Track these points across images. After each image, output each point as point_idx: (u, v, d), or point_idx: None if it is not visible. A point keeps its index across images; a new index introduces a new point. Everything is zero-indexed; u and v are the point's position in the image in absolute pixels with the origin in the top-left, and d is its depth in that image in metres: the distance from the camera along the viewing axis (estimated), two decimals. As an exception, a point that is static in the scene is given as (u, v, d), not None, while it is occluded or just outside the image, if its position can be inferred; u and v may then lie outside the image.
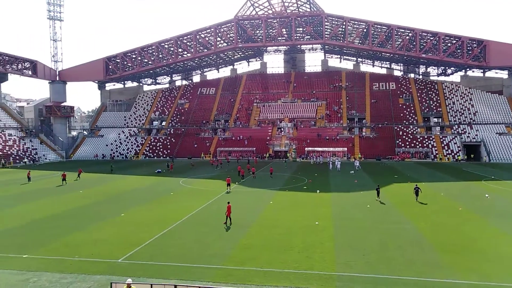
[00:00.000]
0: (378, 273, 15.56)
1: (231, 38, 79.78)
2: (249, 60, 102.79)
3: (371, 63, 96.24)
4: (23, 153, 72.39)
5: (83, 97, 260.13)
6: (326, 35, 76.35)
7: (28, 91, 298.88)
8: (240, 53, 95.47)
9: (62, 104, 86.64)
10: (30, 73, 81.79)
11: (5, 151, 69.76)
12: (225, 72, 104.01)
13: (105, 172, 53.57)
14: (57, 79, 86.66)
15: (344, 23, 73.81)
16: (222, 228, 22.56)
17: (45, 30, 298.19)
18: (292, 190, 36.64)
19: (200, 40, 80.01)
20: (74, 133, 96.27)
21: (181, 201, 31.73)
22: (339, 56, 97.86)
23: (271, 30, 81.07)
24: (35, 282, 15.19)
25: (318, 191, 35.34)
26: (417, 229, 22.14)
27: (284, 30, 79.57)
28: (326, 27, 76.22)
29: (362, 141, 74.23)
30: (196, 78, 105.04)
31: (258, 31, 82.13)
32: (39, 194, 36.11)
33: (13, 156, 69.42)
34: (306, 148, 71.96)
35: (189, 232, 21.99)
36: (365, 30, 74.45)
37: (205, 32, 79.01)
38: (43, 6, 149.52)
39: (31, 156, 72.64)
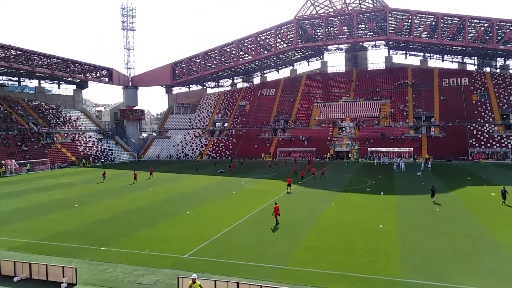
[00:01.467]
0: (448, 282, 14.64)
1: (291, 39, 79.73)
2: (309, 59, 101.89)
3: (440, 58, 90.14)
4: (101, 154, 79.02)
5: (152, 101, 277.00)
6: (390, 31, 73.05)
7: (105, 96, 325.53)
8: (300, 53, 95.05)
9: (134, 108, 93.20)
10: (106, 80, 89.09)
11: (85, 151, 76.75)
12: (285, 72, 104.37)
13: (172, 171, 56.53)
14: (130, 85, 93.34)
15: (410, 17, 70.08)
16: (283, 228, 22.71)
17: (119, 39, 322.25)
18: (355, 192, 35.68)
19: (260, 42, 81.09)
20: (144, 134, 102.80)
21: (242, 200, 32.50)
22: (404, 52, 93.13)
23: (331, 29, 79.57)
24: (111, 272, 16.58)
25: (382, 193, 34.03)
26: (494, 237, 20.38)
27: (345, 28, 77.67)
28: (390, 22, 72.94)
29: (430, 141, 69.83)
30: (257, 80, 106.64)
31: (318, 30, 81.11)
32: (115, 192, 39.23)
33: (92, 156, 76.13)
34: (369, 149, 69.53)
35: (250, 231, 22.48)
36: (433, 23, 69.98)
37: (265, 34, 79.89)
38: (117, 18, 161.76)
39: (107, 156, 79.04)
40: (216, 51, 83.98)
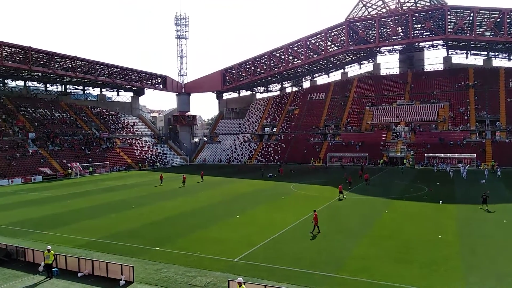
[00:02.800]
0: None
1: (342, 42, 78.21)
2: (361, 62, 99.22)
3: (507, 57, 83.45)
4: (155, 157, 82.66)
5: (204, 106, 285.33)
6: (449, 30, 69.03)
7: (159, 102, 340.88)
8: (351, 56, 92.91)
9: (187, 113, 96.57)
10: (161, 87, 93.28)
11: (141, 155, 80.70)
12: (335, 76, 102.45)
13: (222, 175, 57.57)
14: (183, 91, 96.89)
15: (472, 14, 65.74)
16: (335, 236, 22.16)
17: (172, 48, 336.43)
18: (410, 200, 33.95)
19: (310, 46, 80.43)
20: (196, 139, 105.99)
21: (292, 205, 32.23)
22: (465, 51, 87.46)
23: (384, 30, 76.90)
24: (165, 272, 17.16)
25: (441, 201, 32.03)
26: None
27: (399, 28, 74.69)
28: (449, 20, 68.95)
29: (496, 147, 64.69)
30: (306, 84, 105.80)
31: (370, 32, 78.80)
32: (168, 194, 40.76)
33: (147, 160, 79.85)
34: (426, 154, 65.93)
35: (301, 237, 22.18)
36: (498, 20, 65.07)
37: (315, 37, 79.12)
38: (171, 27, 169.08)
39: (162, 160, 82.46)
40: (265, 56, 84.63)
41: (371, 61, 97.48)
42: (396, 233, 22.60)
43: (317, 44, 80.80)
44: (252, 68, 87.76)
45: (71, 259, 18.03)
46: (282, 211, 29.78)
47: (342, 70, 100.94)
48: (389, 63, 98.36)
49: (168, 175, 58.72)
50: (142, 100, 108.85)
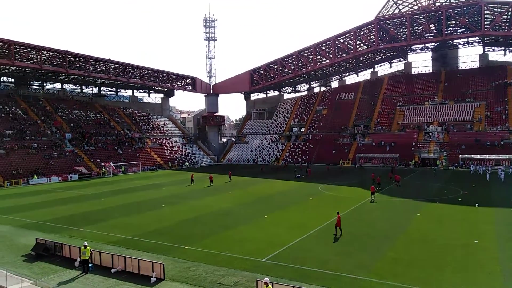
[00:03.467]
0: None
1: (372, 40, 76.66)
2: (391, 61, 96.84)
3: (550, 53, 79.12)
4: (185, 157, 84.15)
5: (232, 107, 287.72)
6: (485, 26, 66.16)
7: (188, 103, 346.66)
8: (381, 55, 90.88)
9: (215, 114, 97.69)
10: (190, 88, 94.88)
11: (171, 155, 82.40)
12: (364, 75, 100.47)
13: (250, 175, 57.84)
14: (211, 92, 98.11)
15: (510, 9, 62.73)
16: (365, 238, 21.77)
17: (201, 49, 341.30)
18: (444, 202, 32.82)
19: (338, 45, 79.38)
20: (224, 139, 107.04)
21: (320, 206, 31.95)
22: (503, 48, 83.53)
23: (416, 27, 74.70)
24: (194, 271, 17.45)
25: (477, 204, 30.77)
26: None
27: (432, 25, 72.33)
28: (485, 16, 66.09)
29: (537, 148, 61.39)
30: (335, 84, 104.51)
31: (401, 30, 76.78)
32: (197, 194, 41.39)
33: (177, 159, 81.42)
34: (460, 155, 63.51)
35: (329, 238, 21.96)
36: (540, 14, 61.73)
37: (344, 36, 77.99)
38: (200, 29, 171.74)
39: (191, 160, 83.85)
40: (293, 56, 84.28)
41: (402, 59, 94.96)
42: (429, 236, 21.93)
43: (346, 43, 79.60)
44: (280, 68, 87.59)
45: (105, 255, 18.67)
46: (310, 212, 29.57)
47: (371, 69, 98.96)
48: (421, 61, 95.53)
49: (196, 175, 59.58)
50: (172, 101, 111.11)
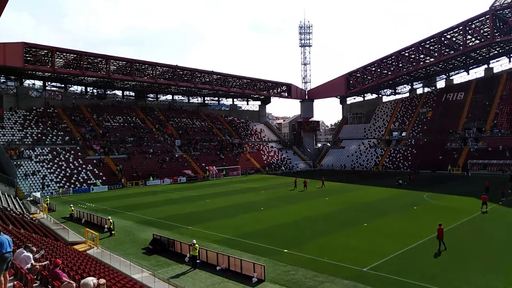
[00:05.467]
0: None
1: (485, 33, 68.53)
2: (511, 55, 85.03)
3: None
4: (281, 162, 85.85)
5: (327, 112, 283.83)
6: None
7: (283, 109, 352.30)
8: (497, 49, 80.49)
9: (310, 119, 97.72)
10: (286, 95, 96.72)
11: (268, 160, 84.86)
12: (476, 73, 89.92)
13: (346, 181, 56.41)
14: (306, 98, 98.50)
15: None
16: (483, 256, 19.53)
17: (296, 56, 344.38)
18: None
19: (445, 41, 72.79)
20: (319, 144, 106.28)
21: (426, 216, 29.69)
22: None
23: (544, 14, 64.64)
24: (293, 275, 17.82)
25: None
26: None
27: None
28: None
29: None
30: (440, 84, 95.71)
31: (524, 19, 67.16)
32: (293, 198, 41.97)
33: (273, 164, 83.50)
34: None
35: (437, 251, 20.33)
36: None
37: (451, 32, 71.25)
38: (295, 36, 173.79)
39: (286, 165, 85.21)
40: (392, 57, 79.90)
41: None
42: None
43: (454, 39, 72.58)
44: (378, 70, 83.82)
45: (210, 253, 20.24)
46: (415, 222, 27.71)
47: (485, 66, 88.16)
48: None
49: (288, 180, 60.26)
50: (269, 108, 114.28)
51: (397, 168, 75.19)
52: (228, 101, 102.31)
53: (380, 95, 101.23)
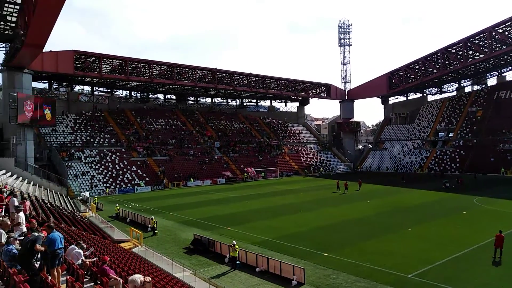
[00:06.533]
0: None
1: (543, 26, 63.69)
2: None
3: None
4: (320, 164, 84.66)
5: (368, 112, 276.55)
6: None
7: (322, 110, 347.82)
8: (558, 42, 74.54)
9: (350, 120, 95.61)
10: (325, 95, 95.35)
11: (307, 162, 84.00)
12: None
13: (389, 184, 54.55)
14: (346, 98, 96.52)
15: None
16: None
17: (336, 55, 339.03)
18: None
19: (496, 36, 68.44)
20: (360, 146, 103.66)
21: (477, 222, 28.04)
22: None
23: None
24: (334, 279, 17.43)
25: None
26: None
27: None
28: None
29: None
30: (491, 81, 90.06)
31: None
32: (332, 201, 41.19)
33: (312, 166, 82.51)
34: None
35: (488, 259, 19.04)
36: None
37: (503, 26, 66.87)
38: (334, 36, 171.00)
39: (326, 167, 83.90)
40: (438, 54, 76.29)
41: None
42: None
43: (506, 33, 68.08)
44: (423, 68, 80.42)
45: (250, 254, 20.28)
46: (464, 228, 26.22)
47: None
48: None
49: (328, 182, 59.23)
50: (307, 109, 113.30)
51: (444, 170, 71.66)
52: (266, 103, 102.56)
53: (425, 94, 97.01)
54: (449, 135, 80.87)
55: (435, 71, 78.87)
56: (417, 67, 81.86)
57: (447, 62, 76.71)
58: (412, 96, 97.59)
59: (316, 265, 19.36)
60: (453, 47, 74.23)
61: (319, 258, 20.38)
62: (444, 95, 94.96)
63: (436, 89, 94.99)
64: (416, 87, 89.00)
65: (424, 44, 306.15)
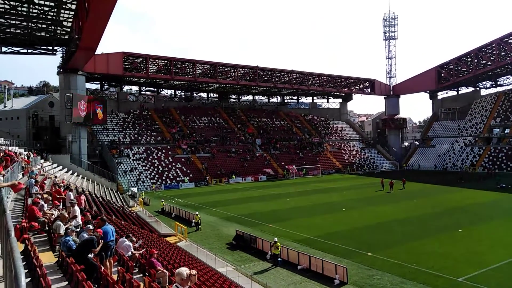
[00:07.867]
0: None
1: None
2: None
3: None
4: (363, 162, 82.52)
5: (414, 108, 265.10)
6: None
7: (366, 106, 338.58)
8: None
9: (396, 116, 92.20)
10: (369, 91, 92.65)
11: (349, 159, 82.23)
12: None
13: (438, 183, 52.08)
14: (391, 93, 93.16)
15: None
16: None
17: (380, 49, 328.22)
18: None
19: (561, 23, 62.88)
20: (406, 143, 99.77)
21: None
22: None
23: None
24: (378, 279, 17.01)
25: None
26: None
27: None
28: None
29: None
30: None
31: None
32: (377, 200, 40.04)
33: (355, 164, 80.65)
34: None
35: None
36: None
37: None
38: (379, 29, 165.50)
39: (369, 165, 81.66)
40: (493, 45, 71.38)
41: None
42: None
43: None
44: (475, 60, 75.72)
45: (292, 252, 20.29)
46: (521, 231, 24.52)
47: None
48: None
49: (372, 180, 57.56)
50: (350, 105, 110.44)
51: (500, 169, 67.21)
52: (307, 100, 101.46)
53: (478, 88, 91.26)
54: (505, 131, 75.54)
55: (489, 63, 73.95)
56: (469, 59, 77.24)
57: (503, 53, 71.68)
58: (463, 90, 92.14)
59: (360, 264, 19.00)
60: (510, 37, 69.20)
61: (362, 258, 19.98)
62: (499, 89, 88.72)
63: (490, 82, 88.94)
64: (468, 80, 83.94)
65: (475, 35, 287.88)
